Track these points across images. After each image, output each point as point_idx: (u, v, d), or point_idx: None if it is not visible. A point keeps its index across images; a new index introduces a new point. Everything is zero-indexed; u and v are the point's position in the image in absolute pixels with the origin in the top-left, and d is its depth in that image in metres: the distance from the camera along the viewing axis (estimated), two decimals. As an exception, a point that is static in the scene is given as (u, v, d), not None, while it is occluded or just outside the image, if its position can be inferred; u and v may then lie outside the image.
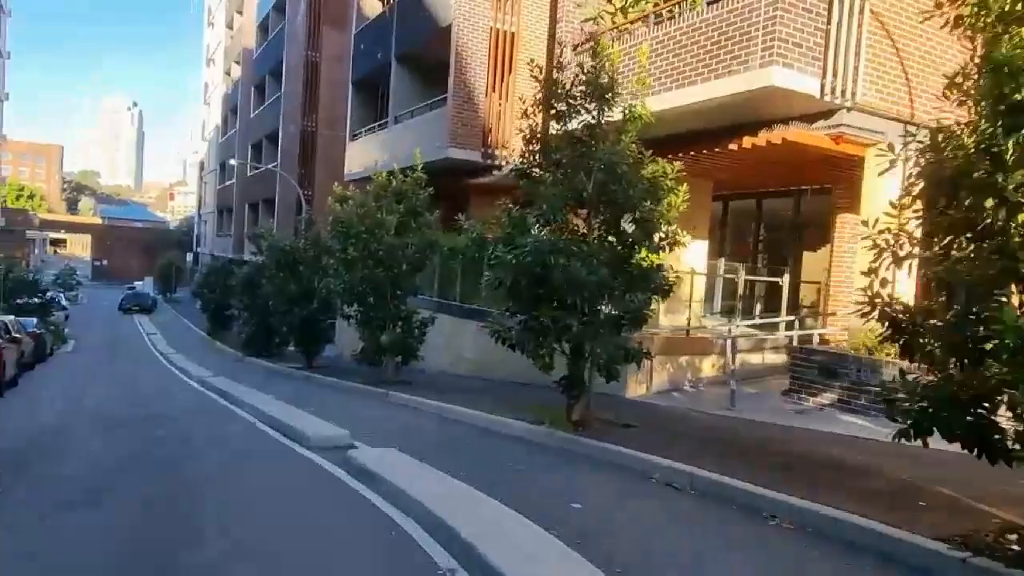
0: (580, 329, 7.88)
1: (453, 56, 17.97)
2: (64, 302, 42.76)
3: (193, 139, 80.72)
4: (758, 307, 15.21)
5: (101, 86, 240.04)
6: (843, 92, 9.58)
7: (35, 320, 24.95)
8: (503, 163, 18.55)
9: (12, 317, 20.31)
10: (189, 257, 62.90)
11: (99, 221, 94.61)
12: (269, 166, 36.28)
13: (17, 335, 18.56)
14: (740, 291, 13.82)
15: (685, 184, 8.65)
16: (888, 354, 9.29)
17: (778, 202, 15.50)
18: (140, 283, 60.03)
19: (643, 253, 8.42)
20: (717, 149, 11.03)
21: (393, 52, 21.15)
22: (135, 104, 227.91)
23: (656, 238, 8.41)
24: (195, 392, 14.72)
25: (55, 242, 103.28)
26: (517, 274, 8.20)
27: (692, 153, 10.64)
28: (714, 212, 15.76)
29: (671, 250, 8.83)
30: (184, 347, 29.66)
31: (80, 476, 6.73)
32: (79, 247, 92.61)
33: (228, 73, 53.11)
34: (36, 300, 29.62)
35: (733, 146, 10.82)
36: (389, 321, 14.20)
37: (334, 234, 14.23)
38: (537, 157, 8.67)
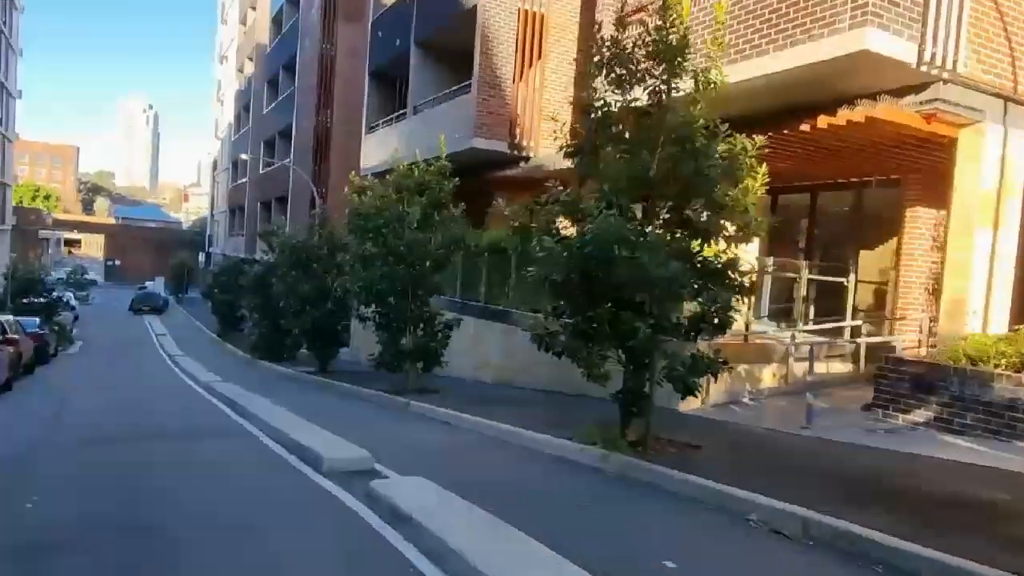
0: (647, 334, 6.59)
1: (478, 39, 16.75)
2: (73, 302, 41.90)
3: (208, 141, 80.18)
4: (811, 310, 13.86)
5: (117, 87, 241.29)
6: (943, 60, 8.24)
7: (37, 320, 23.94)
8: (530, 154, 17.32)
9: (10, 317, 19.28)
10: (201, 257, 62.09)
11: (112, 221, 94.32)
12: (283, 162, 35.24)
13: (13, 336, 17.51)
14: (802, 293, 12.46)
15: (764, 165, 7.36)
16: (998, 365, 7.95)
17: (835, 195, 14.14)
18: (151, 283, 59.26)
19: (715, 245, 7.14)
20: (786, 130, 9.71)
21: (412, 38, 19.95)
22: (151, 107, 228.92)
23: (731, 227, 7.13)
24: (200, 400, 13.53)
25: (70, 243, 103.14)
26: (571, 269, 6.94)
27: (765, 135, 9.32)
28: (763, 204, 14.42)
29: (748, 242, 7.55)
30: (193, 349, 28.61)
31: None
32: (94, 248, 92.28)
33: (241, 70, 52.23)
34: (42, 300, 28.67)
35: (806, 127, 9.50)
36: (410, 323, 12.97)
37: (351, 228, 13.02)
38: (595, 132, 7.38)
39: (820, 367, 11.85)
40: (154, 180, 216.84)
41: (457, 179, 13.55)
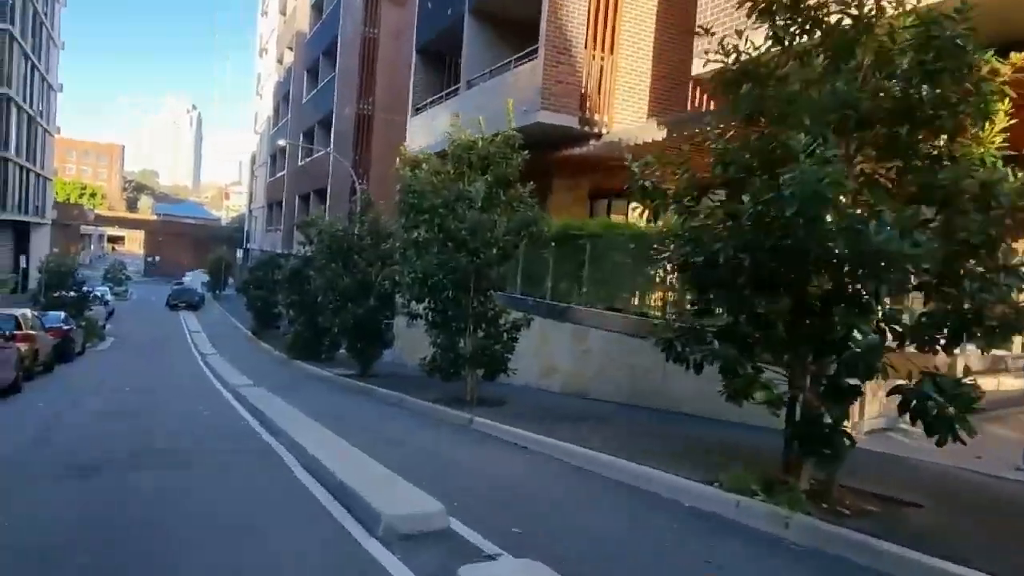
0: (872, 341, 4.33)
1: (546, -2, 14.60)
2: (109, 297, 40.91)
3: (248, 138, 79.56)
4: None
5: (162, 87, 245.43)
6: None
7: (62, 315, 22.48)
8: (602, 130, 15.10)
9: (27, 311, 17.72)
10: (239, 254, 61.10)
11: (152, 218, 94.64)
12: (324, 150, 33.61)
13: (29, 332, 15.89)
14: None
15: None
16: None
17: None
18: (188, 278, 58.43)
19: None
20: None
21: (467, 5, 17.89)
22: (194, 107, 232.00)
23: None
24: (225, 409, 11.61)
25: (113, 239, 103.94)
26: (739, 245, 4.74)
27: None
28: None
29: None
30: (226, 347, 27.01)
31: None
32: (136, 245, 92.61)
33: (280, 61, 50.96)
34: (72, 294, 27.39)
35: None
36: (471, 322, 10.86)
37: (402, 209, 10.96)
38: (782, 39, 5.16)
39: (991, 382, 9.42)
40: (197, 179, 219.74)
41: (527, 152, 11.42)
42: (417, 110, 21.48)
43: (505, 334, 11.10)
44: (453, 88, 19.23)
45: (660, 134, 12.76)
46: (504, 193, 11.13)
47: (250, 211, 63.34)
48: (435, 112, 20.01)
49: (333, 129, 33.09)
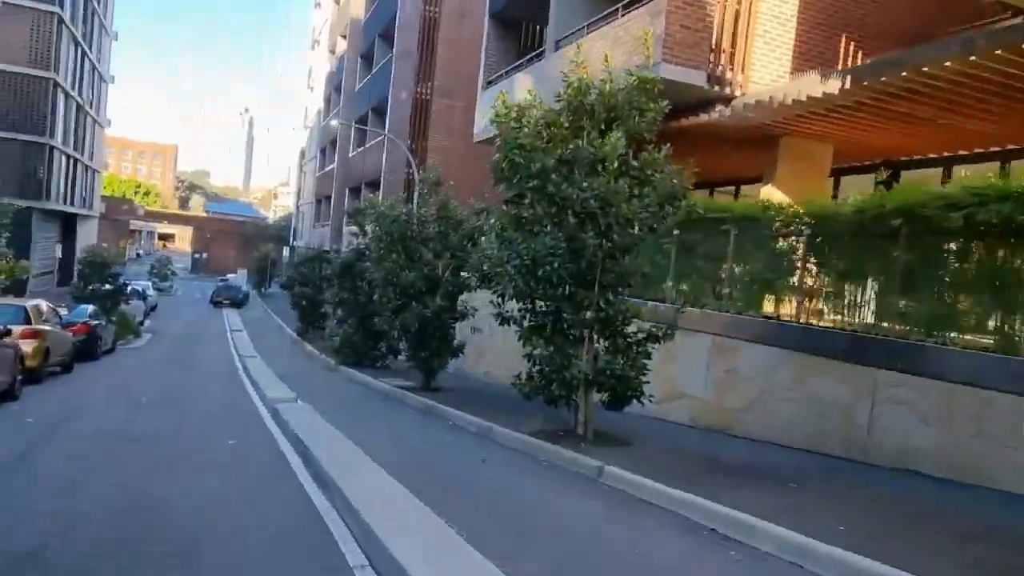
0: None
1: (670, -79, 11.56)
2: (151, 292, 39.18)
3: (297, 140, 78.21)
4: None
5: (217, 87, 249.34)
6: None
7: (89, 309, 20.25)
8: (736, 92, 12.01)
9: (41, 302, 15.38)
10: (285, 251, 59.35)
11: (200, 214, 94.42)
12: (379, 132, 31.15)
13: (40, 327, 13.48)
14: None
15: None
16: None
17: None
18: (233, 275, 56.85)
19: None
20: None
21: (558, -52, 15.02)
22: (247, 110, 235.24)
23: None
24: (261, 442, 8.80)
25: (164, 237, 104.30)
26: None
27: None
28: None
29: None
30: (268, 349, 24.57)
31: None
32: (187, 243, 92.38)
33: (332, 51, 48.99)
34: (106, 287, 25.36)
35: None
36: (594, 329, 7.88)
37: (501, 173, 8.03)
38: None
39: None
40: (248, 180, 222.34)
41: (666, 103, 8.43)
42: (489, 83, 18.67)
43: (636, 347, 8.09)
44: (535, 53, 16.35)
45: (831, 87, 9.64)
46: (636, 157, 8.15)
47: (298, 207, 61.68)
48: (512, 82, 17.14)
49: (388, 116, 30.59)
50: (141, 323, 31.14)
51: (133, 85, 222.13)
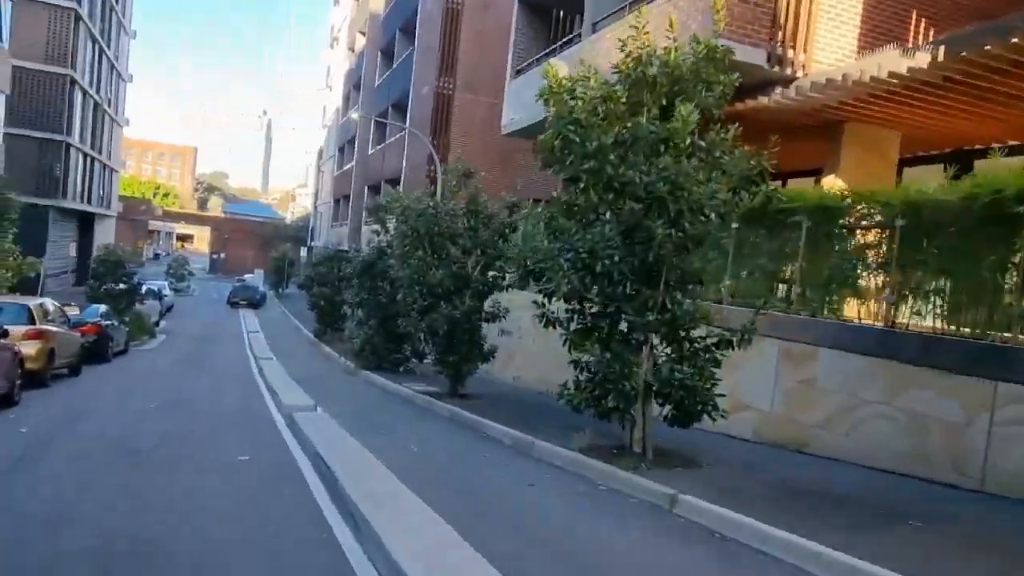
0: None
1: None
2: (167, 292, 38.59)
3: (315, 140, 77.68)
4: None
5: (235, 89, 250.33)
6: None
7: (101, 308, 19.50)
8: (798, 72, 10.93)
9: (47, 301, 14.59)
10: (303, 252, 58.74)
11: (218, 214, 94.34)
12: (400, 126, 30.30)
13: (44, 327, 12.67)
14: None
15: None
16: None
17: None
18: (250, 276, 56.28)
19: None
20: None
21: (596, -76, 14.00)
22: (265, 112, 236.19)
23: None
24: (274, 456, 7.86)
25: (183, 238, 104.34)
26: None
27: None
28: None
29: None
30: (285, 351, 23.74)
31: None
32: (205, 244, 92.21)
33: (352, 49, 48.25)
34: (120, 286, 24.65)
35: None
36: (656, 332, 6.85)
37: (553, 155, 7.00)
38: None
39: None
40: (265, 182, 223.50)
41: (737, 75, 7.40)
42: (518, 72, 17.68)
43: (702, 354, 7.05)
44: (568, 37, 15.35)
45: (919, 61, 8.54)
46: (703, 136, 7.12)
47: (315, 207, 61.08)
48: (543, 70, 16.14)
49: (409, 111, 29.69)
50: (157, 323, 30.46)
51: (152, 83, 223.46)
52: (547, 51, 16.31)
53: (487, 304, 12.71)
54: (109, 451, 7.33)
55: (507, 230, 12.81)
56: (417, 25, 30.48)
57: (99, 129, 45.54)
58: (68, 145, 37.71)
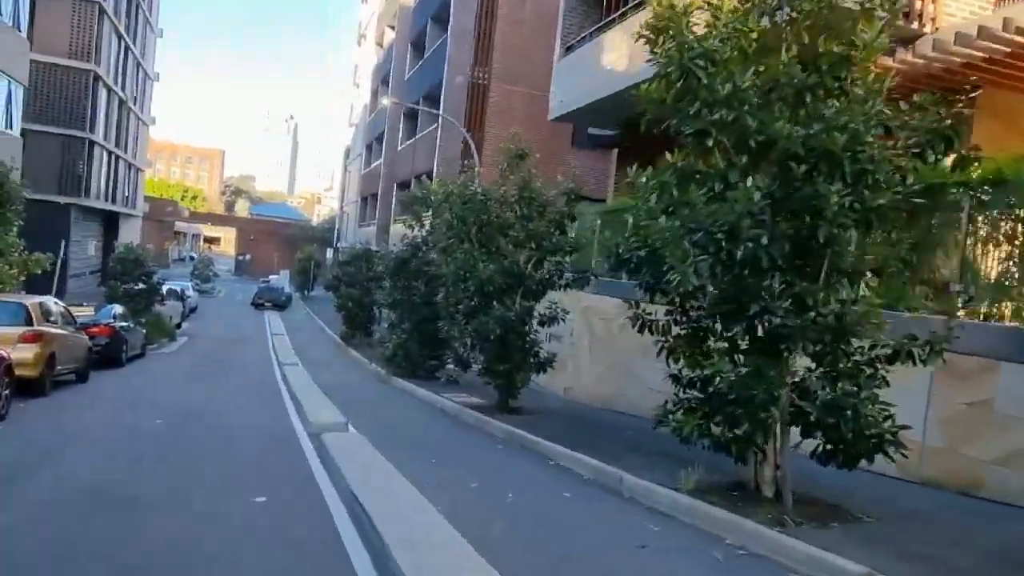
0: None
1: None
2: (191, 292, 37.43)
3: (341, 143, 76.65)
4: None
5: (261, 93, 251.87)
6: None
7: (116, 309, 18.14)
8: (926, 27, 9.09)
9: (49, 299, 13.17)
10: (329, 253, 57.55)
11: (245, 216, 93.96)
12: (431, 126, 28.75)
13: (43, 329, 11.21)
14: None
15: None
16: None
17: None
18: (275, 276, 55.15)
19: None
20: None
21: None
22: (292, 117, 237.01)
23: None
24: (300, 498, 6.16)
25: (210, 240, 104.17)
26: None
27: None
28: None
29: None
30: (311, 355, 22.25)
31: None
32: (232, 246, 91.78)
33: (380, 44, 46.92)
34: (139, 286, 23.36)
35: None
36: (816, 341, 5.08)
37: (670, 103, 5.27)
38: None
39: None
40: (292, 186, 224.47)
41: (902, 3, 5.63)
42: (568, 49, 15.96)
43: (865, 369, 5.27)
44: (632, 4, 13.60)
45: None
46: (862, 82, 5.35)
47: (342, 208, 59.92)
48: (598, 44, 14.43)
49: (441, 104, 28.09)
50: (178, 325, 29.21)
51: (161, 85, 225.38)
52: (604, 22, 14.56)
53: (542, 305, 11.02)
54: (88, 501, 5.69)
55: (565, 220, 11.11)
56: (451, 11, 28.94)
57: (124, 127, 44.70)
58: (91, 142, 36.77)
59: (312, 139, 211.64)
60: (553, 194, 11.25)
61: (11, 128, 24.65)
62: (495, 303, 10.39)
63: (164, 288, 28.11)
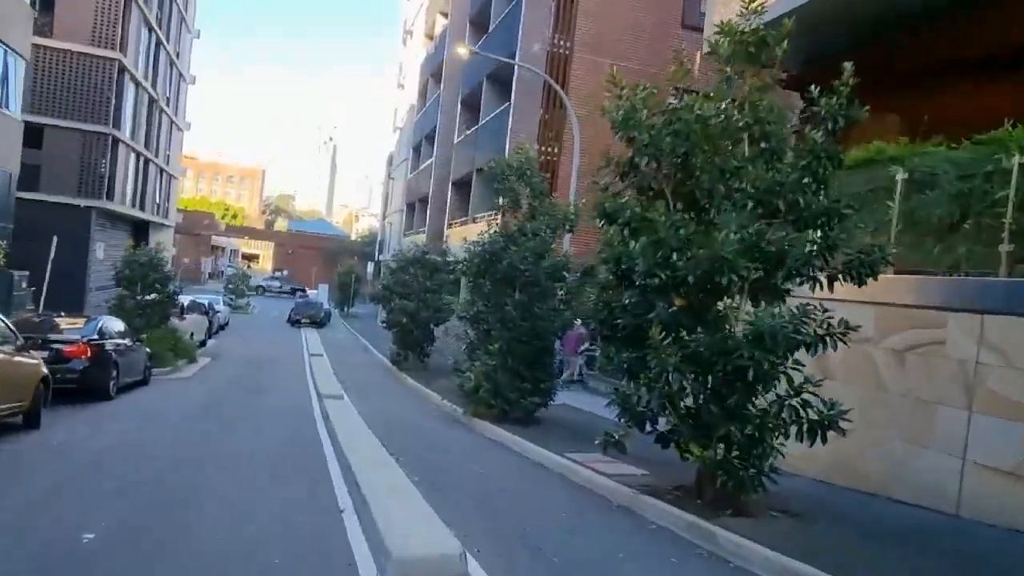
0: None
1: None
2: (220, 307, 33.28)
3: (382, 155, 73.02)
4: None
5: (300, 113, 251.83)
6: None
7: (106, 323, 13.68)
8: None
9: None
10: (370, 267, 53.29)
11: (283, 231, 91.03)
12: (503, 99, 24.20)
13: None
14: None
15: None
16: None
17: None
18: (313, 292, 51.05)
19: None
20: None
21: None
22: (331, 138, 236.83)
23: None
24: None
25: (248, 257, 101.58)
26: None
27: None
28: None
29: None
30: (358, 383, 17.61)
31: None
32: (270, 263, 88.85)
33: (431, 36, 42.88)
34: (151, 297, 19.03)
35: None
36: None
37: None
38: None
39: None
40: (330, 204, 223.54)
41: None
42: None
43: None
44: None
45: None
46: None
47: (384, 218, 55.82)
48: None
49: (515, 79, 23.43)
50: (202, 343, 24.93)
51: (234, 111, 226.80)
52: None
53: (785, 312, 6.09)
54: None
55: (824, 163, 6.19)
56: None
57: (155, 129, 41.12)
58: (116, 140, 33.01)
59: (350, 158, 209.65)
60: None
61: (7, 107, 20.84)
62: (724, 304, 5.47)
63: (185, 300, 23.86)
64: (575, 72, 22.21)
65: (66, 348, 11.48)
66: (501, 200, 12.54)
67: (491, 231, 12.27)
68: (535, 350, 11.79)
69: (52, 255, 17.82)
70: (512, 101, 22.87)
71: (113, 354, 12.79)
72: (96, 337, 12.42)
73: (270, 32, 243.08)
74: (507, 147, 23.33)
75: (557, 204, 12.72)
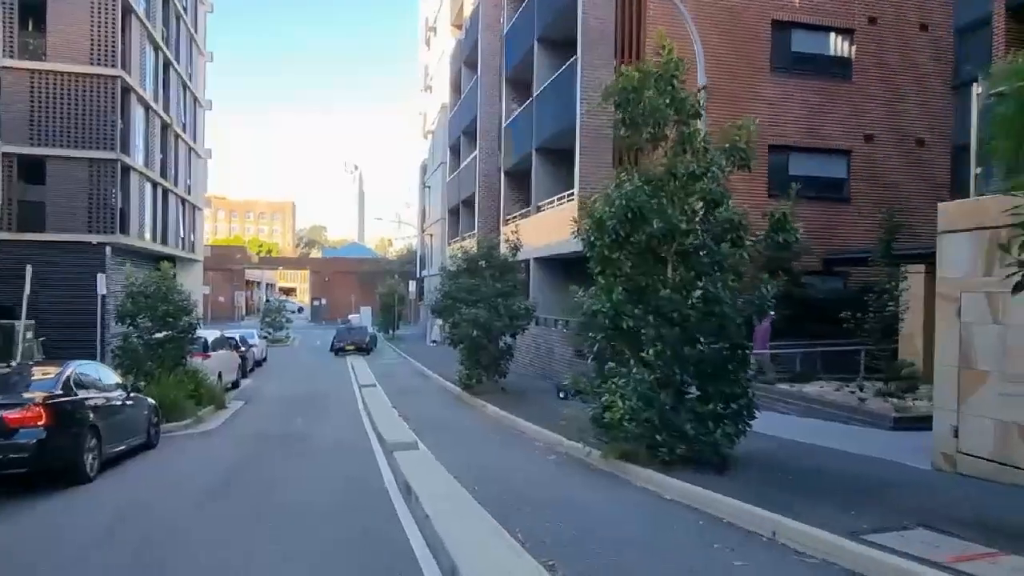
0: None
1: None
2: (254, 341, 29.57)
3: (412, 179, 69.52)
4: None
5: (327, 144, 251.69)
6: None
7: (77, 369, 9.66)
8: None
9: None
10: (412, 287, 49.50)
11: (317, 257, 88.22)
12: (555, 65, 20.06)
13: None
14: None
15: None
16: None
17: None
18: (356, 316, 47.40)
19: None
20: None
21: None
22: (356, 167, 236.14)
23: None
24: None
25: (285, 291, 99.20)
26: None
27: None
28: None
29: None
30: (427, 418, 13.49)
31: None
32: (307, 295, 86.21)
33: (458, 25, 39.15)
34: (163, 334, 15.14)
35: None
36: None
37: None
38: None
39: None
40: (361, 232, 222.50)
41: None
42: None
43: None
44: None
45: None
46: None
47: (422, 231, 52.01)
48: None
49: (580, 30, 19.21)
50: (234, 384, 21.17)
51: (259, 150, 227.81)
52: None
53: None
54: None
55: None
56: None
57: (171, 156, 37.98)
58: (127, 167, 29.73)
59: (376, 195, 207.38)
60: None
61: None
62: None
63: (210, 335, 20.07)
64: (653, 9, 17.99)
65: (7, 414, 7.55)
66: (630, 134, 8.28)
67: (629, 179, 7.97)
68: (718, 354, 7.50)
69: (27, 291, 14.10)
70: (579, 55, 18.68)
71: (90, 414, 8.85)
72: (60, 393, 8.48)
73: (290, 71, 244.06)
74: (578, 110, 19.13)
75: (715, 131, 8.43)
